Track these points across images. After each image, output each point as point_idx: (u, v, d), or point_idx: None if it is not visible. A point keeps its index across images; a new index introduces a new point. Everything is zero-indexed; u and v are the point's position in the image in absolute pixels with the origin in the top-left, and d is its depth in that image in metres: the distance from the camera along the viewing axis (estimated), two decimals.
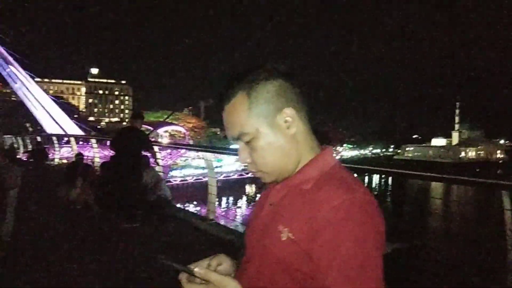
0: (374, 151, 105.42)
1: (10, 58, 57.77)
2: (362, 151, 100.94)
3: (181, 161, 47.29)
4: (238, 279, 0.79)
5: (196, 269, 0.78)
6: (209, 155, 5.83)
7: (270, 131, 0.85)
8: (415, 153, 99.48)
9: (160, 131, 55.13)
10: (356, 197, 0.77)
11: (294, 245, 0.78)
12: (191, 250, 4.31)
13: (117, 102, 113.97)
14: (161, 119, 67.71)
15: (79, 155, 7.17)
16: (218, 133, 74.05)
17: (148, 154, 6.23)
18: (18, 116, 64.58)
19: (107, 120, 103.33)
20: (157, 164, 6.80)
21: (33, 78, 61.09)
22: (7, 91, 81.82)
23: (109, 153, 6.39)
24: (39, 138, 16.62)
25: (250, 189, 47.68)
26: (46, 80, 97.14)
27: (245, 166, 0.91)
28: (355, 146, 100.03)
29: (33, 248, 4.34)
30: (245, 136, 0.86)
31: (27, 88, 59.19)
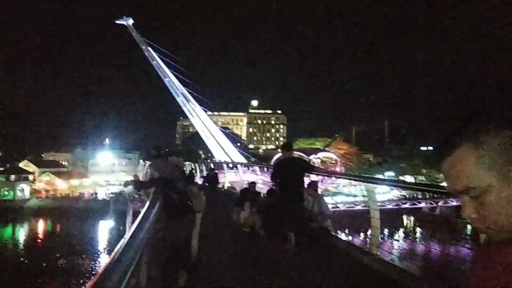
0: None
1: (190, 96, 68.74)
2: None
3: (332, 188, 47.04)
4: None
5: None
6: (371, 185, 5.67)
7: (505, 186, 0.76)
8: None
9: (312, 157, 56.20)
10: None
11: None
12: (355, 286, 4.22)
13: (273, 130, 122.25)
14: (313, 146, 69.23)
15: (252, 183, 7.93)
16: (371, 159, 71.13)
17: (316, 179, 6.47)
18: (194, 145, 75.68)
19: (264, 147, 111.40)
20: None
21: (205, 112, 71.04)
22: (186, 123, 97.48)
23: (269, 178, 6.88)
24: (212, 165, 19.08)
25: (408, 221, 43.80)
26: (215, 113, 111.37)
27: (469, 220, 0.82)
28: None
29: (210, 265, 4.96)
30: (472, 191, 0.78)
31: (201, 121, 69.14)
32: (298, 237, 5.71)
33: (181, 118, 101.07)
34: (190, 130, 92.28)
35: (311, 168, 6.84)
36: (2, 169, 62.67)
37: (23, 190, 55.39)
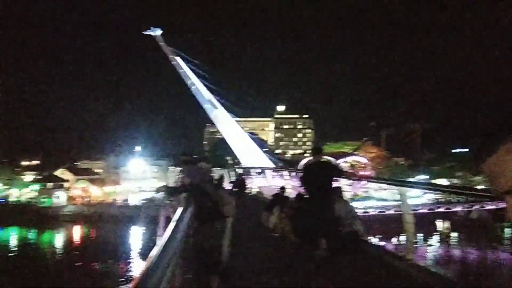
0: None
1: (216, 103, 69.50)
2: None
3: (362, 192, 46.15)
4: None
5: None
6: (404, 189, 5.54)
7: None
8: None
9: (341, 161, 55.40)
10: None
11: None
12: None
13: (300, 135, 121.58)
14: (342, 150, 68.31)
15: (282, 188, 7.93)
16: (402, 163, 69.37)
17: (340, 185, 6.42)
18: (222, 151, 76.30)
19: (291, 152, 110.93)
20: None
21: (232, 118, 71.56)
22: (213, 130, 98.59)
23: (297, 184, 6.87)
24: (240, 170, 19.20)
25: (442, 225, 42.24)
26: (242, 119, 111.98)
27: None
28: None
29: (242, 269, 4.99)
30: None
31: (228, 127, 69.74)
32: (329, 242, 5.65)
33: (208, 124, 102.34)
34: (218, 136, 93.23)
35: (339, 172, 6.79)
36: (40, 177, 65.65)
37: (60, 197, 57.71)
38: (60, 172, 66.25)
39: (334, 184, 6.53)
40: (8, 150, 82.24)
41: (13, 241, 36.31)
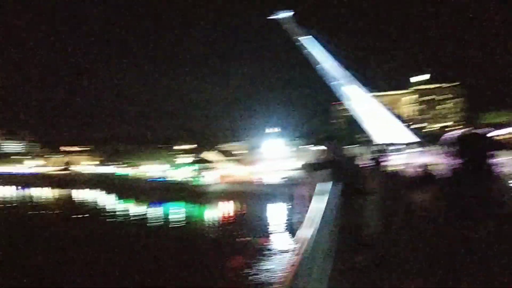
0: None
1: (348, 79, 67.38)
2: None
3: None
4: None
5: None
6: None
7: None
8: None
9: (498, 133, 47.67)
10: None
11: None
12: None
13: (447, 105, 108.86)
14: (502, 120, 58.76)
15: (424, 165, 7.39)
16: None
17: (498, 160, 5.63)
18: (353, 128, 73.97)
19: (436, 125, 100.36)
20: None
21: (366, 92, 68.44)
22: (343, 107, 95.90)
23: (444, 160, 6.25)
24: (376, 147, 18.42)
25: None
26: (377, 93, 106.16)
27: None
28: None
29: (388, 247, 4.89)
30: None
31: (360, 103, 67.09)
32: (488, 225, 5.05)
33: (334, 102, 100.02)
34: (345, 114, 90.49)
35: (497, 146, 5.89)
36: (194, 159, 75.74)
37: (210, 176, 65.31)
38: (211, 154, 74.88)
39: (490, 160, 5.76)
40: (166, 137, 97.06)
41: (172, 215, 42.46)
